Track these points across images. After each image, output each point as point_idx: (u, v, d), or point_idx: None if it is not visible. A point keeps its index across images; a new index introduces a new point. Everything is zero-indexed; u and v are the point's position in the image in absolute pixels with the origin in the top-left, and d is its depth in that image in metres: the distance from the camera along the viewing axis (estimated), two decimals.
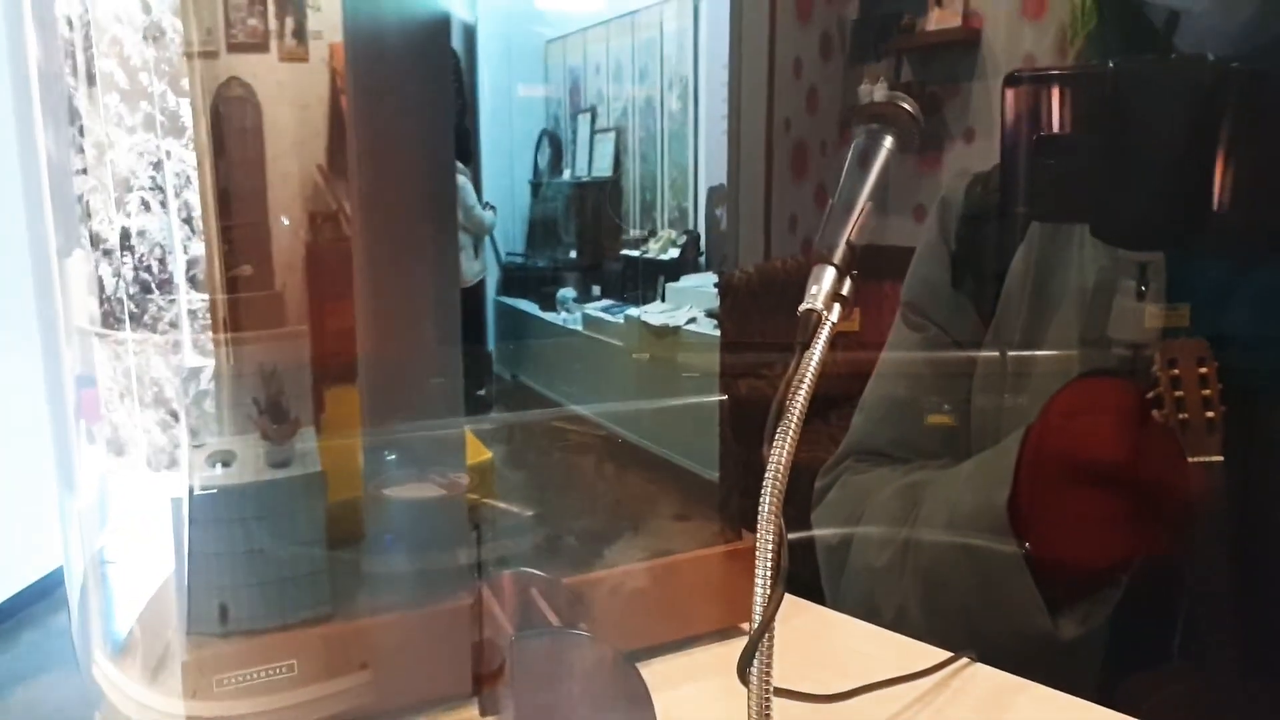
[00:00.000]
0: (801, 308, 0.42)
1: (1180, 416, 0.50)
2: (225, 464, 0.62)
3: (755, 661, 0.34)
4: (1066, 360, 0.63)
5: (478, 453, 0.80)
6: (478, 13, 4.47)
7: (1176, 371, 0.50)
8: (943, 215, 0.76)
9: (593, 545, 0.63)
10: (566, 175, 4.98)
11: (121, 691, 0.54)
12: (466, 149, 4.00)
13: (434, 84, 0.68)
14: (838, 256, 0.43)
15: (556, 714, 0.42)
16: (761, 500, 0.35)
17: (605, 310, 4.44)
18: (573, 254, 4.82)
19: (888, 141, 0.48)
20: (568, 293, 5.04)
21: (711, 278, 3.55)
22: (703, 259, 3.88)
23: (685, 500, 0.83)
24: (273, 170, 0.66)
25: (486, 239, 3.69)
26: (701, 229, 3.95)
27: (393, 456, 0.67)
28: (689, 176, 4.07)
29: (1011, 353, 0.67)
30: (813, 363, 0.38)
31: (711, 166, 3.76)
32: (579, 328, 4.65)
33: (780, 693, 0.35)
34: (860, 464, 0.77)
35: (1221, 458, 0.50)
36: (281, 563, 0.58)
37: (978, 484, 0.61)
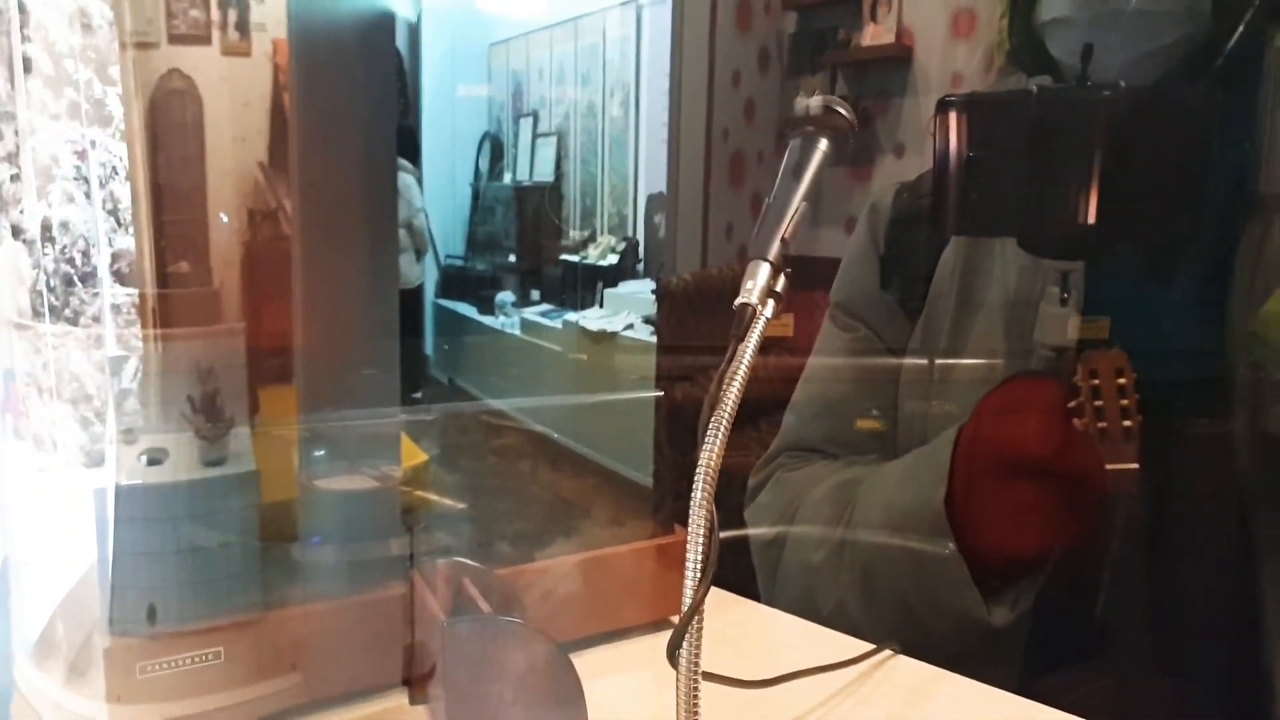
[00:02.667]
0: (737, 302, 0.43)
1: (1099, 425, 0.53)
2: (157, 461, 0.61)
3: (685, 644, 0.35)
4: (990, 367, 0.67)
5: (413, 455, 0.80)
6: (421, 13, 4.42)
7: (1096, 382, 0.53)
8: (872, 220, 0.79)
9: (525, 546, 0.63)
10: (507, 179, 4.95)
11: (39, 691, 0.53)
12: (413, 149, 3.94)
13: (377, 82, 0.68)
14: (772, 253, 0.44)
15: (487, 701, 0.43)
16: (695, 485, 0.36)
17: (543, 315, 4.41)
18: (512, 258, 4.80)
19: (823, 144, 0.51)
20: (506, 296, 5.00)
21: (650, 284, 3.57)
22: (641, 266, 3.90)
23: (619, 504, 0.84)
24: (212, 166, 0.66)
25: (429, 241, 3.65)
26: (640, 236, 3.97)
27: (325, 454, 0.67)
28: (629, 183, 4.08)
29: (939, 360, 0.70)
30: (746, 355, 0.39)
31: (651, 174, 3.78)
32: (517, 332, 4.61)
33: (709, 677, 0.36)
34: (793, 461, 0.80)
35: (1137, 465, 0.54)
36: (212, 562, 0.57)
37: (913, 484, 0.64)
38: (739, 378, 0.38)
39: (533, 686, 0.43)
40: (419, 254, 3.72)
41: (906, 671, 0.53)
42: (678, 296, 1.47)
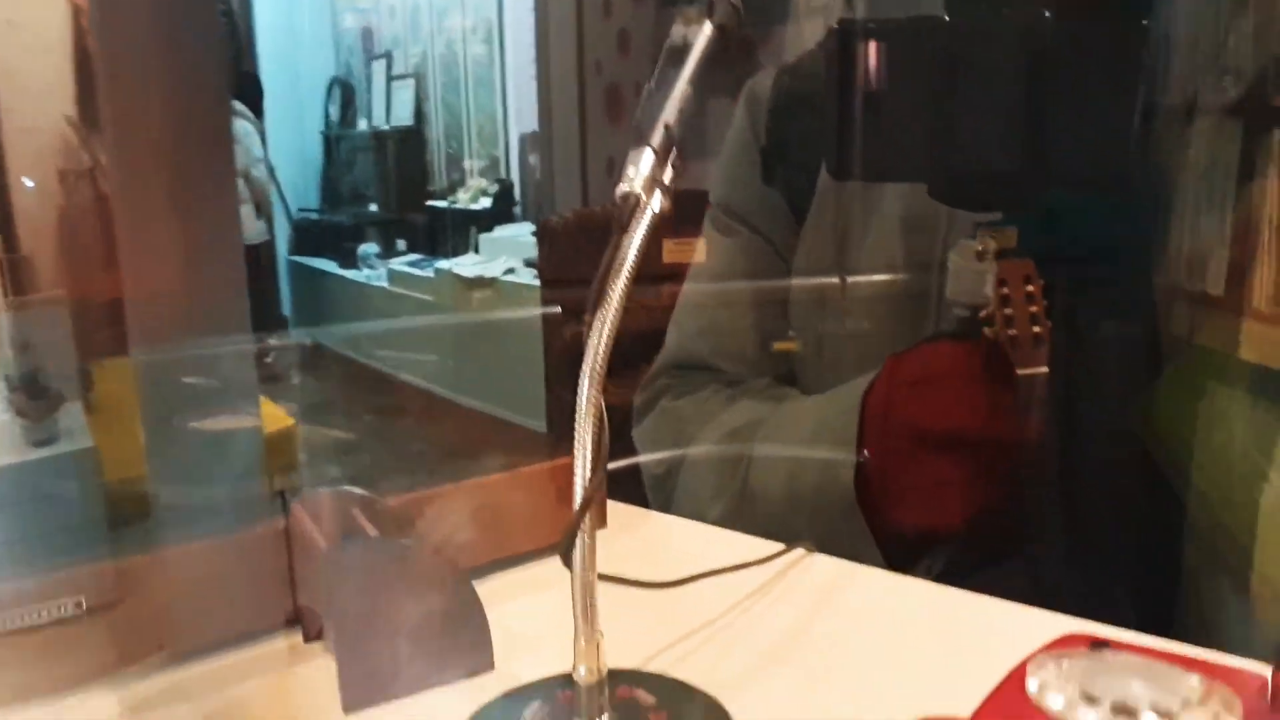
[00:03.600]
0: (618, 190, 0.39)
1: (1010, 333, 0.52)
2: None
3: (578, 541, 0.32)
4: (889, 282, 0.64)
5: (277, 420, 0.75)
6: None
7: (1005, 290, 0.52)
8: (751, 109, 0.73)
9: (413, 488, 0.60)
10: (362, 125, 4.72)
11: None
12: (254, 96, 3.67)
13: (198, 19, 0.61)
14: (655, 139, 0.40)
15: (382, 631, 0.40)
16: (581, 375, 0.33)
17: (413, 265, 4.26)
18: (373, 207, 4.60)
19: (707, 26, 0.47)
20: (370, 248, 4.79)
21: (529, 227, 3.48)
22: (518, 208, 3.81)
23: (512, 452, 0.80)
24: (10, 123, 0.58)
25: (275, 196, 3.44)
26: (515, 177, 3.87)
27: (176, 423, 0.62)
28: (498, 123, 3.96)
29: (829, 278, 0.68)
30: (632, 249, 0.36)
31: (523, 113, 3.67)
32: (384, 284, 4.44)
33: (606, 578, 0.33)
34: (678, 384, 0.75)
35: (1046, 369, 0.52)
36: (53, 546, 0.52)
37: (818, 456, 0.61)
38: (625, 273, 0.34)
39: (431, 611, 0.40)
40: (259, 208, 3.49)
41: (821, 569, 0.52)
42: (559, 235, 1.43)
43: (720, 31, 0.48)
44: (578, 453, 0.33)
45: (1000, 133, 0.49)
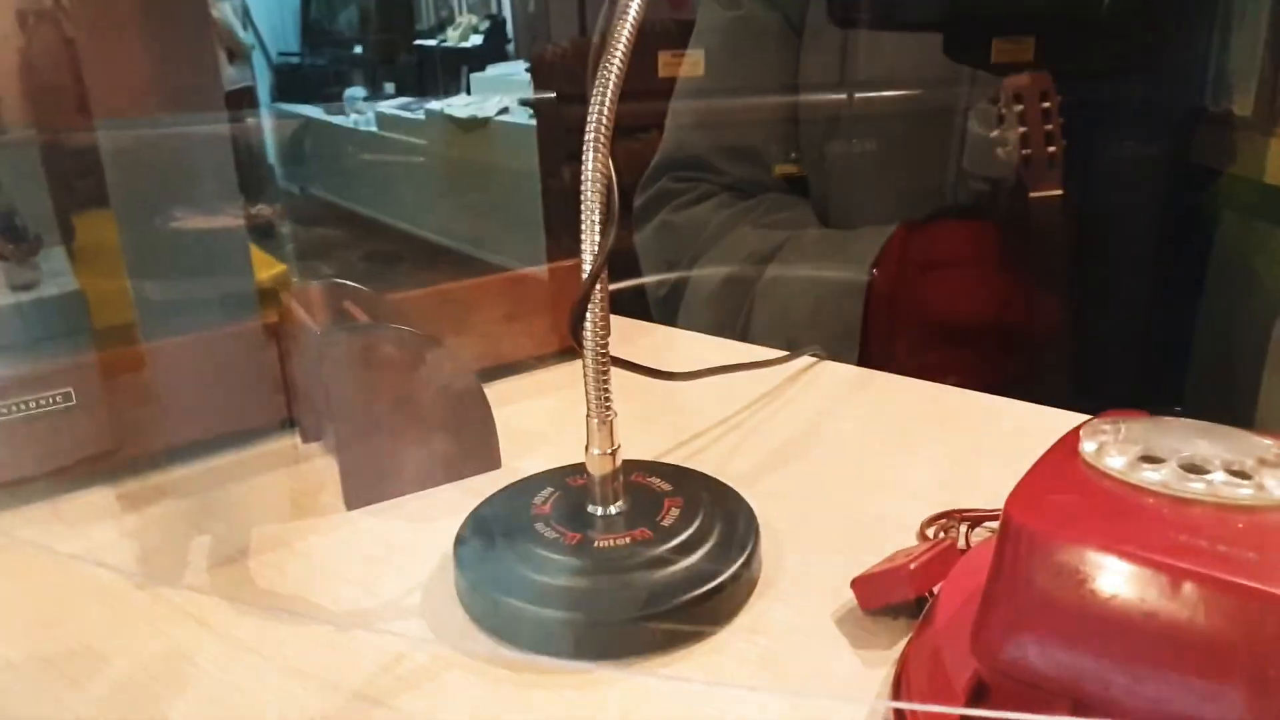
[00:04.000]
0: None
1: (1024, 152, 0.49)
2: None
3: (588, 316, 0.29)
4: (903, 100, 0.59)
5: (268, 266, 0.73)
6: None
7: (1020, 107, 0.48)
8: None
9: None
10: None
11: None
12: None
13: None
14: None
15: (382, 423, 0.38)
16: (586, 137, 0.29)
17: (402, 108, 4.09)
18: (358, 49, 4.37)
19: None
20: (356, 92, 4.59)
21: (522, 65, 3.31)
22: (511, 45, 3.62)
23: (514, 301, 0.78)
24: None
25: (254, 39, 3.27)
26: (507, 12, 3.65)
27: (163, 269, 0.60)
28: None
29: (839, 95, 0.62)
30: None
31: None
32: (374, 129, 4.27)
33: (618, 363, 0.31)
34: (677, 185, 0.70)
35: (1060, 192, 0.49)
36: (44, 392, 0.51)
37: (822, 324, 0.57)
38: (629, 24, 0.29)
39: (434, 403, 0.38)
40: (231, 54, 3.33)
41: (832, 372, 0.51)
42: (556, 69, 1.35)
43: None
44: (584, 219, 0.30)
45: None
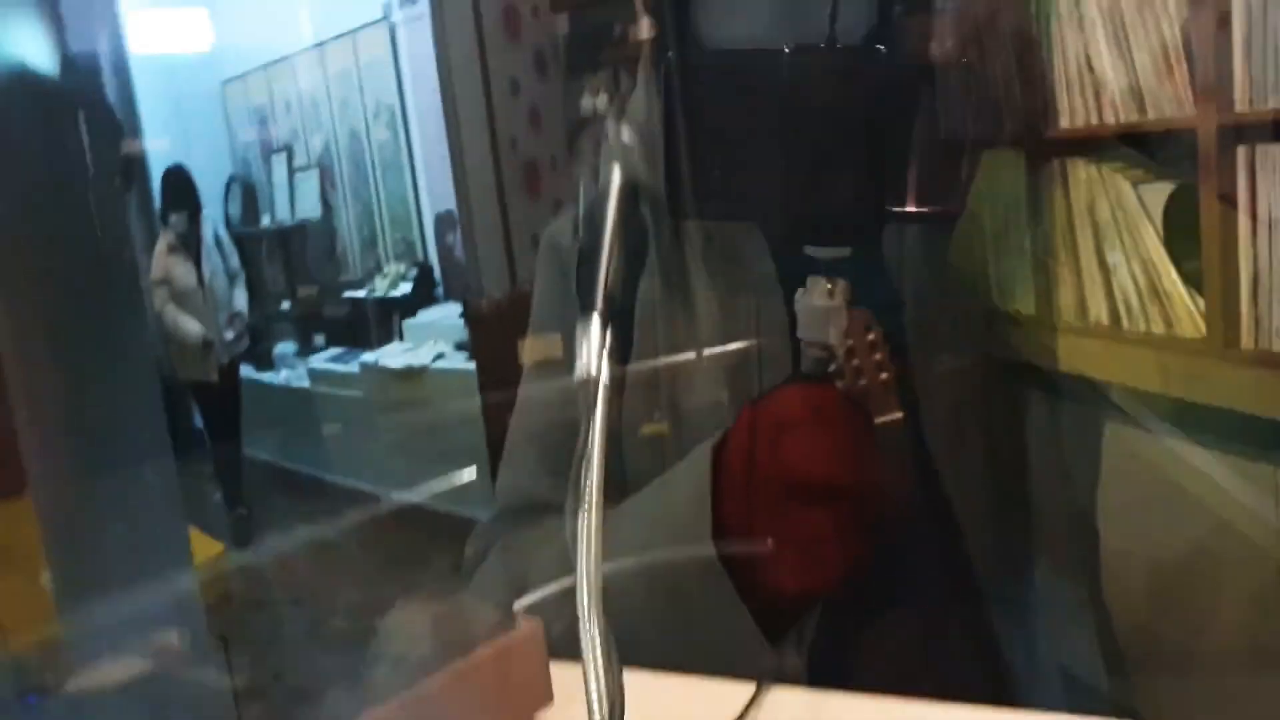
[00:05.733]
0: (576, 376, 0.41)
1: (860, 383, 0.53)
2: None
3: None
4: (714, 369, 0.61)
5: (206, 547, 0.67)
6: (130, 64, 4.00)
7: (850, 342, 0.52)
8: (555, 258, 0.69)
9: (370, 634, 0.50)
10: (266, 221, 4.57)
11: None
12: (186, 191, 3.43)
13: (68, 148, 0.59)
14: (599, 306, 0.44)
15: None
16: (579, 593, 0.32)
17: (335, 360, 4.07)
18: (285, 304, 4.41)
19: (617, 173, 0.49)
20: (286, 348, 4.58)
21: (454, 308, 3.38)
22: (440, 290, 3.70)
23: (459, 548, 0.72)
24: None
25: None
26: (434, 259, 3.77)
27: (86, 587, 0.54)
28: (410, 206, 3.88)
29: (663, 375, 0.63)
30: (598, 434, 0.38)
31: (435, 193, 3.59)
32: (305, 384, 4.21)
33: None
34: (520, 529, 0.65)
35: (901, 414, 0.53)
36: None
37: (669, 524, 0.54)
38: (596, 461, 0.36)
39: None
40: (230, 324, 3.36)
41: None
42: (491, 320, 1.36)
43: (630, 184, 0.49)
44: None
45: (835, 168, 0.49)
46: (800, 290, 0.50)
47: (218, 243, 3.35)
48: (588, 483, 0.36)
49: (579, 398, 0.40)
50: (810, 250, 0.49)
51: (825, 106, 0.48)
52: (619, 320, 0.58)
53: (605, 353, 0.42)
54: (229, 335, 3.28)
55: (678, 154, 0.48)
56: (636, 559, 0.52)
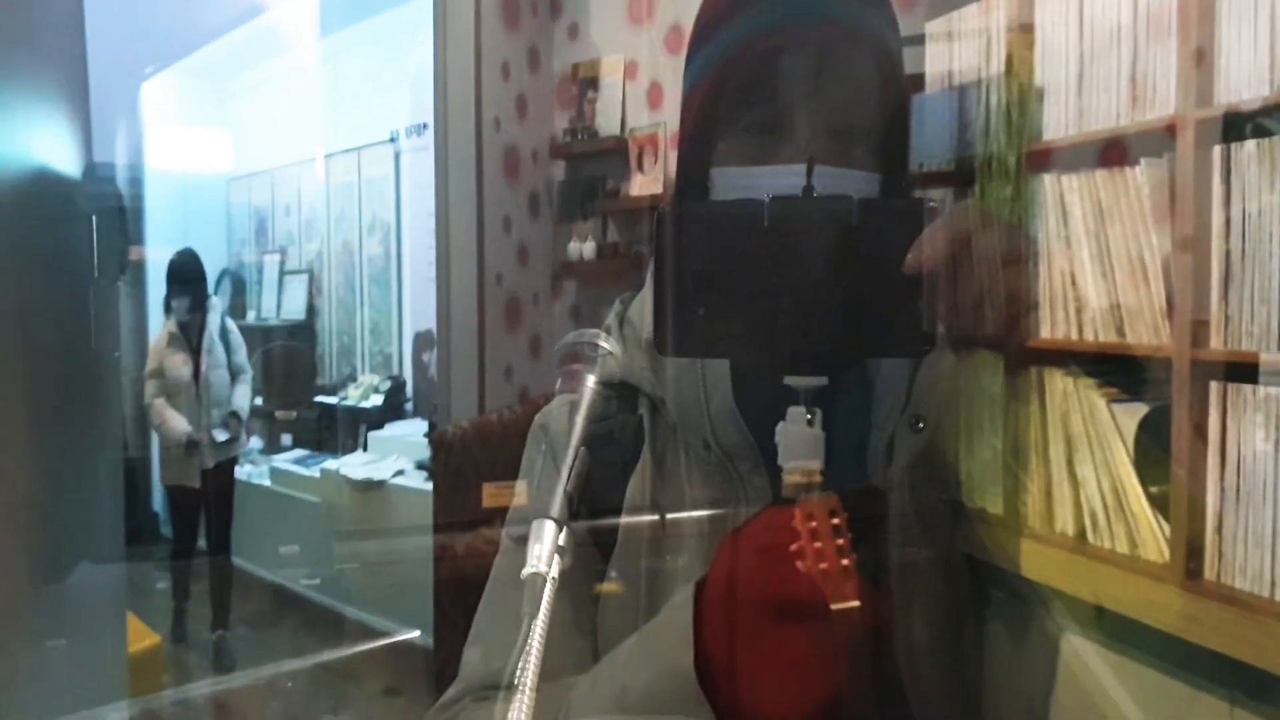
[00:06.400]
0: (525, 571, 0.44)
1: (821, 566, 0.52)
2: None
3: None
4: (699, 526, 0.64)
5: (141, 637, 0.68)
6: (142, 155, 4.12)
7: (814, 524, 0.53)
8: (546, 441, 0.71)
9: None
10: (251, 317, 4.61)
11: None
12: (196, 275, 3.33)
13: (77, 251, 0.61)
14: (555, 510, 0.46)
15: None
16: None
17: (298, 462, 4.02)
18: (258, 401, 4.40)
19: (590, 381, 0.52)
20: (253, 443, 4.52)
21: (420, 425, 3.39)
22: (410, 405, 3.71)
23: (395, 670, 0.72)
24: None
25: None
26: (408, 374, 3.80)
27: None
28: (392, 321, 3.94)
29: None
30: (538, 632, 0.40)
31: (418, 312, 3.65)
32: (266, 482, 4.14)
33: None
34: (483, 704, 0.65)
35: (858, 603, 0.52)
36: None
37: (649, 656, 0.56)
38: (534, 656, 0.38)
39: None
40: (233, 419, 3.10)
41: None
42: (455, 446, 1.39)
43: (602, 385, 0.53)
44: None
45: (817, 308, 0.52)
46: (782, 424, 0.53)
47: (224, 335, 3.14)
48: (524, 676, 0.38)
49: (525, 592, 0.43)
50: (789, 380, 0.54)
51: (804, 250, 0.51)
52: (602, 516, 0.61)
53: (555, 555, 0.45)
54: (221, 436, 3.02)
55: (665, 296, 0.52)
56: (619, 700, 0.53)
